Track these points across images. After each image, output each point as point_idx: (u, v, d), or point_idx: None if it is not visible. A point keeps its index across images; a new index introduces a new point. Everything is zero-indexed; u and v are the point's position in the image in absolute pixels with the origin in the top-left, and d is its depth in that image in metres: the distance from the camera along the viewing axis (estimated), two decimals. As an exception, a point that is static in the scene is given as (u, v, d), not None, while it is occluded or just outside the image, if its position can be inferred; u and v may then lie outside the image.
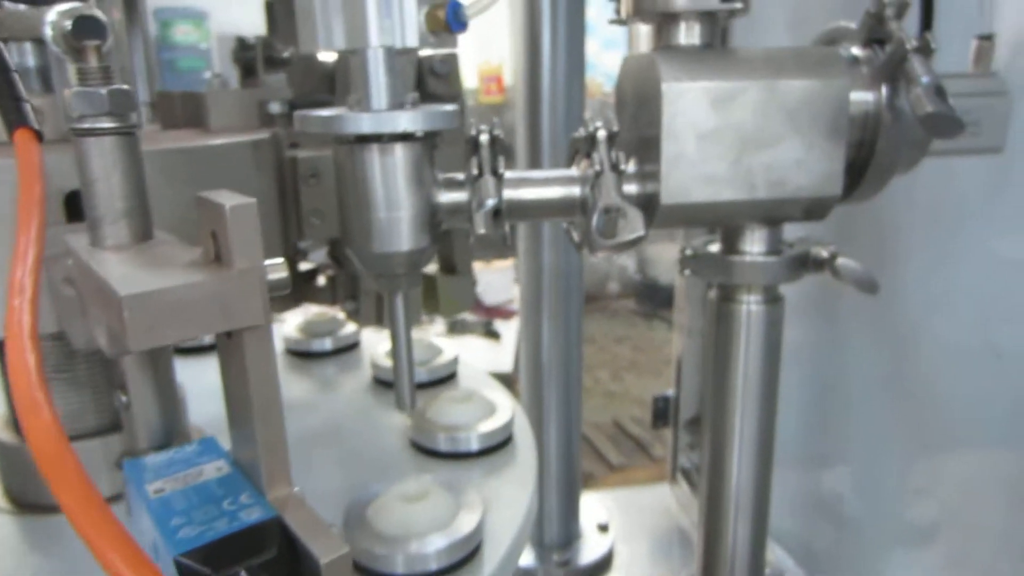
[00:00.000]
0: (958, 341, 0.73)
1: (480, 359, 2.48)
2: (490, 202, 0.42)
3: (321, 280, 0.76)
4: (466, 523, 0.49)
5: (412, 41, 0.41)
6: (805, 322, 0.96)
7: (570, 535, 1.15)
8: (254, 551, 0.30)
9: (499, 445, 0.67)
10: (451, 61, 0.75)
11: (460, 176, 0.46)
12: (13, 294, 0.29)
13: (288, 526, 0.31)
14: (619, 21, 0.47)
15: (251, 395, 0.32)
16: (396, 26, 0.41)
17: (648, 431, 2.61)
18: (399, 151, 0.44)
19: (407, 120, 0.42)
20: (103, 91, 0.34)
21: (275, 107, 0.71)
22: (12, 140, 0.32)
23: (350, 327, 0.91)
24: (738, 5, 0.43)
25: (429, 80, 0.74)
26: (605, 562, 1.12)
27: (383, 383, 0.81)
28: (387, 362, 0.83)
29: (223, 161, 0.55)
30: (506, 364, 2.57)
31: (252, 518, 0.30)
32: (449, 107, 0.44)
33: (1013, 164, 0.60)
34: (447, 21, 0.40)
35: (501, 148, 0.44)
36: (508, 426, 0.67)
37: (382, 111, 0.42)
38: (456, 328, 2.69)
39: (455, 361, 0.83)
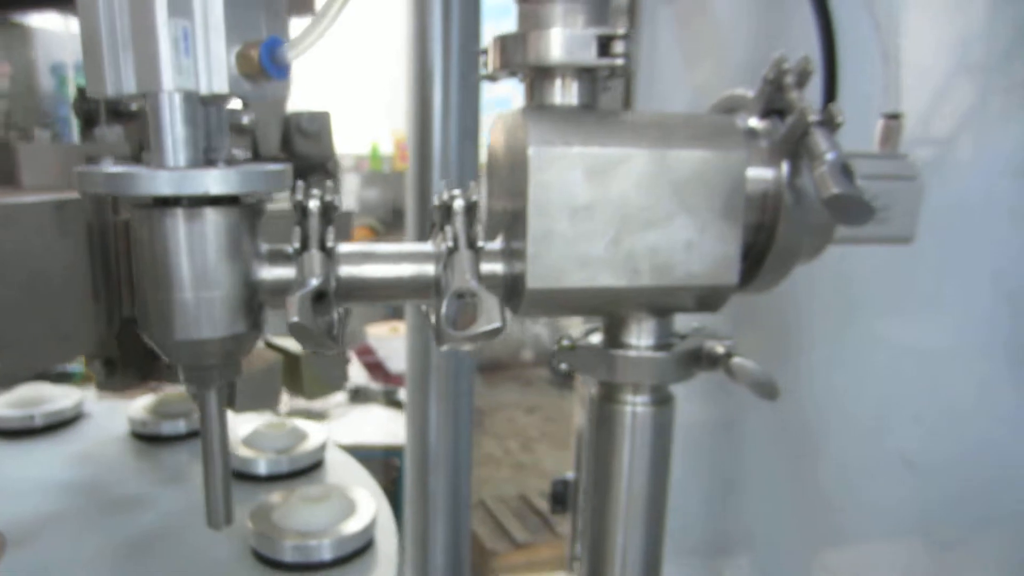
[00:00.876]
0: (861, 445, 0.68)
1: (381, 430, 2.35)
2: (313, 281, 0.34)
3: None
4: None
5: (219, 85, 0.33)
6: (708, 403, 0.91)
7: (456, 637, 1.04)
8: None
9: (356, 552, 0.58)
10: (322, 119, 0.67)
11: (289, 248, 0.38)
12: None
13: None
14: (487, 77, 0.41)
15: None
16: (199, 67, 0.33)
17: (555, 507, 2.53)
18: (210, 217, 0.35)
19: (215, 180, 0.34)
20: None
21: (107, 164, 0.62)
22: None
23: (205, 409, 0.80)
24: (619, 61, 0.36)
25: (296, 139, 0.66)
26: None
27: (240, 475, 0.71)
28: (243, 451, 0.73)
29: (13, 223, 0.45)
30: (409, 436, 2.46)
31: None
32: (275, 166, 0.36)
33: (917, 250, 0.56)
34: (261, 64, 0.32)
35: (334, 217, 0.36)
36: (368, 530, 0.58)
37: (179, 168, 0.34)
38: (357, 397, 2.56)
39: (321, 448, 0.73)
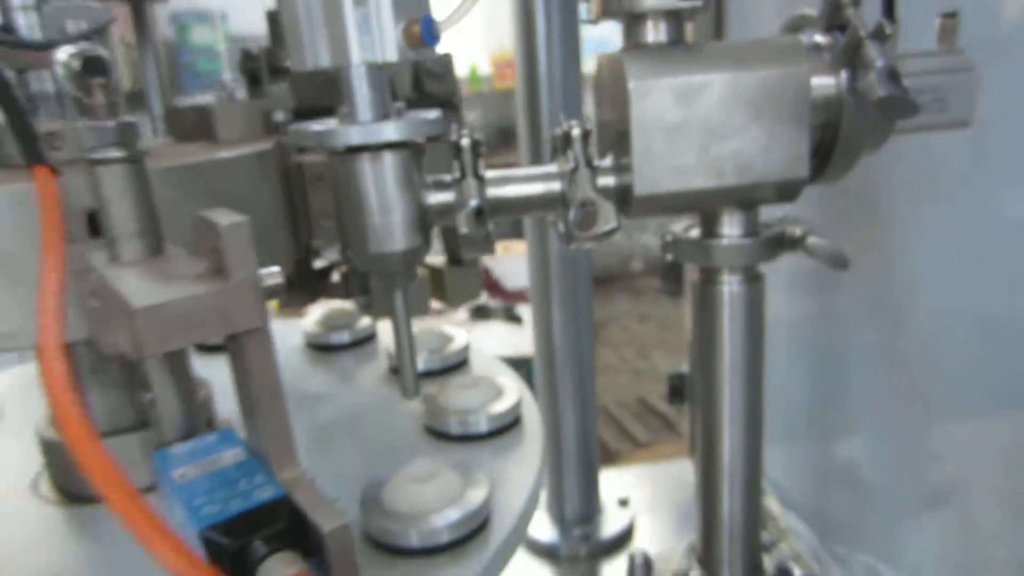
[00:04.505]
0: (947, 310, 0.75)
1: (503, 343, 2.51)
2: (472, 203, 0.45)
3: (335, 276, 0.80)
4: (474, 499, 0.53)
5: (392, 56, 0.44)
6: (807, 296, 0.98)
7: (590, 510, 1.18)
8: (266, 524, 0.34)
9: (507, 426, 0.71)
10: (446, 62, 0.78)
11: (447, 178, 0.49)
12: (41, 313, 0.33)
13: (296, 502, 0.35)
14: (590, 21, 0.50)
15: (255, 389, 0.35)
16: (376, 43, 0.43)
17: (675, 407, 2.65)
18: (387, 159, 0.47)
19: (392, 130, 0.45)
20: (111, 124, 0.37)
21: (279, 116, 0.75)
22: (31, 175, 0.35)
23: (366, 320, 0.95)
24: (698, 3, 0.45)
25: (426, 80, 0.77)
26: (626, 534, 1.16)
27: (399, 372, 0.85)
28: (402, 353, 0.87)
29: (230, 173, 0.59)
30: (529, 347, 2.61)
31: (264, 496, 0.34)
32: (432, 114, 0.47)
33: (986, 133, 0.62)
34: (421, 36, 0.42)
35: (481, 151, 0.47)
36: (515, 408, 0.71)
37: (368, 123, 0.45)
38: (478, 314, 2.73)
39: (466, 348, 0.86)
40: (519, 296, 2.86)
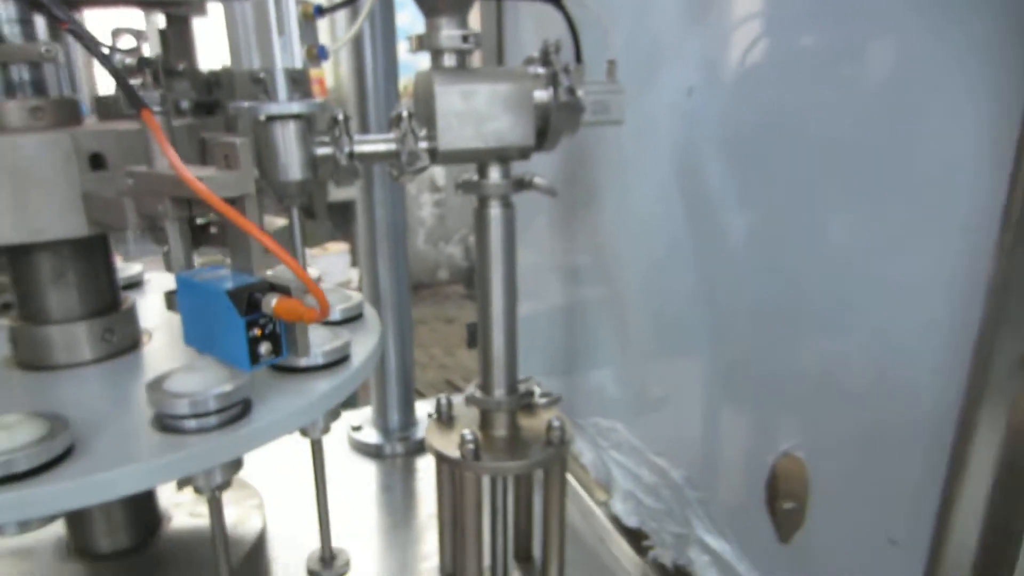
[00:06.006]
0: (633, 272, 1.18)
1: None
2: (346, 148, 0.79)
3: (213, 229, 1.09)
4: (341, 342, 0.86)
5: (299, 65, 0.77)
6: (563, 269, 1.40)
7: (408, 422, 1.53)
8: (255, 287, 0.66)
9: (357, 316, 1.05)
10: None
11: (327, 138, 0.83)
12: (190, 184, 0.63)
13: (267, 280, 0.67)
14: (411, 51, 0.86)
15: (237, 234, 0.68)
16: (290, 57, 0.77)
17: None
18: (291, 124, 0.80)
19: (296, 107, 0.79)
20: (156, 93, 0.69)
21: (184, 104, 1.04)
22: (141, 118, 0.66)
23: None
24: (471, 46, 0.83)
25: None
26: (434, 439, 1.51)
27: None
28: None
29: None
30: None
31: (250, 280, 0.67)
32: (319, 99, 0.81)
33: (635, 131, 1.05)
34: (317, 54, 0.76)
35: (350, 123, 0.81)
36: (360, 304, 1.05)
37: (283, 103, 0.78)
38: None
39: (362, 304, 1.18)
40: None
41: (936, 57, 0.67)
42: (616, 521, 1.24)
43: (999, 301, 0.58)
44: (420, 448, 1.49)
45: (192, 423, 0.70)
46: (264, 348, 0.69)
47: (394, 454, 1.49)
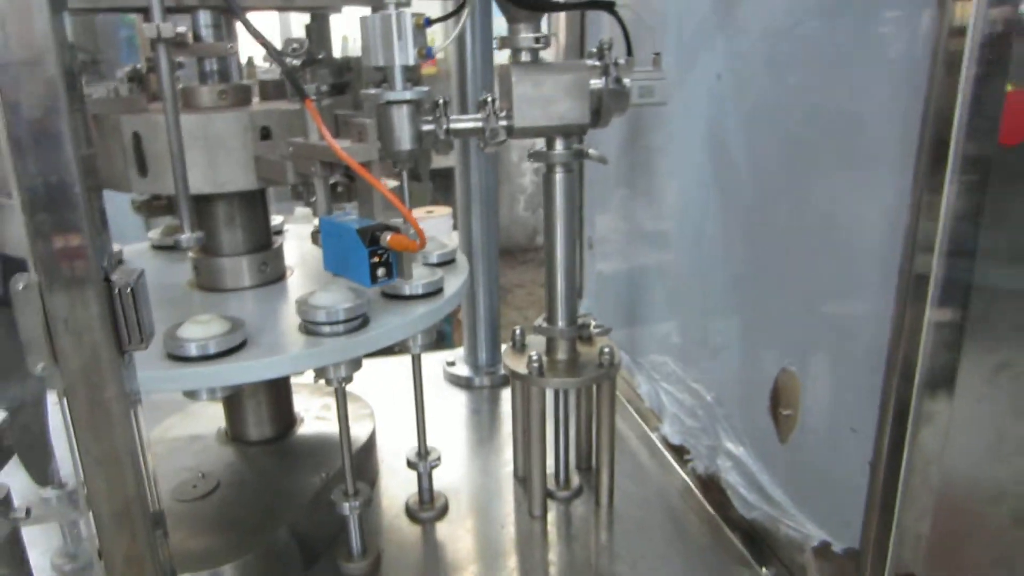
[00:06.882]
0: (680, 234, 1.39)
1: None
2: (444, 126, 1.05)
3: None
4: (436, 277, 1.12)
5: (413, 62, 1.02)
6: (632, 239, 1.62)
7: (494, 359, 1.80)
8: (376, 227, 0.92)
9: (450, 261, 1.30)
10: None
11: (429, 117, 1.08)
12: (336, 151, 0.90)
13: (384, 223, 0.94)
14: (497, 48, 1.10)
15: (364, 187, 0.94)
16: (407, 54, 1.02)
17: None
18: (404, 107, 1.06)
19: (408, 95, 1.04)
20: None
21: (323, 87, 1.32)
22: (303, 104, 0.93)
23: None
24: (541, 46, 1.06)
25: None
26: (516, 373, 1.77)
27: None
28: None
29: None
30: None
31: (372, 223, 0.93)
32: (426, 88, 1.06)
33: (671, 111, 1.26)
34: (425, 53, 1.01)
35: (446, 105, 1.07)
36: (454, 251, 1.31)
37: (399, 91, 1.04)
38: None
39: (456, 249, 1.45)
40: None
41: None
42: (665, 440, 1.47)
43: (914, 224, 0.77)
44: (504, 381, 1.76)
45: (327, 328, 0.97)
46: (381, 271, 0.96)
47: (482, 386, 1.76)
